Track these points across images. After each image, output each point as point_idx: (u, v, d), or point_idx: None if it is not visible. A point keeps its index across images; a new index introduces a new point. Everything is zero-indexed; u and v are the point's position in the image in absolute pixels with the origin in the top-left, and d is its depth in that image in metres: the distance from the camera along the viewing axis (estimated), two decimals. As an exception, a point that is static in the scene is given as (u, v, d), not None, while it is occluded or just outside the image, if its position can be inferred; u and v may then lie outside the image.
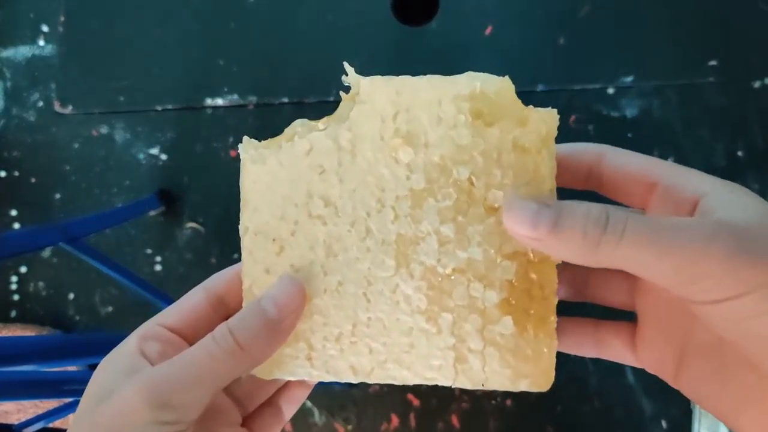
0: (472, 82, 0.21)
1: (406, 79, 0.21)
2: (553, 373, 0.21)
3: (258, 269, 0.23)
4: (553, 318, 0.21)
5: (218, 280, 0.24)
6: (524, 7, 0.76)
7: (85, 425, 0.19)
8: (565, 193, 0.22)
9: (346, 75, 0.22)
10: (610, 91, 0.73)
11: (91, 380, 0.21)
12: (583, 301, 0.24)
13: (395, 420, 0.72)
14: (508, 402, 0.69)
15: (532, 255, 0.21)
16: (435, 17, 0.78)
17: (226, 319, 0.21)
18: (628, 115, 0.72)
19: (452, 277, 0.21)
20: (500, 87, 0.21)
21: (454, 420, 0.71)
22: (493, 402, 0.70)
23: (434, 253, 0.21)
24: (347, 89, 0.23)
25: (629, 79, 0.72)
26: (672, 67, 0.72)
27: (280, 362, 0.23)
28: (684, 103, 0.71)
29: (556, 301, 0.21)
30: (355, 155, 0.21)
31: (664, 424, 0.66)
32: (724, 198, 0.18)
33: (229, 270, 0.24)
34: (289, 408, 0.26)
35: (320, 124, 0.22)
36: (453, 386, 0.22)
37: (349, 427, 0.74)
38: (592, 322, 0.23)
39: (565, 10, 0.75)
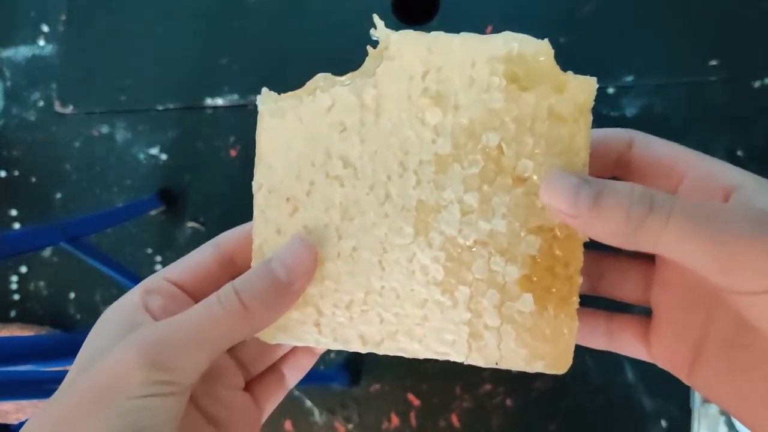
0: (510, 42, 0.19)
1: (438, 36, 0.20)
2: (571, 356, 0.20)
3: (269, 229, 0.21)
4: (576, 298, 0.20)
5: (228, 238, 0.23)
6: (524, 7, 0.76)
7: (76, 386, 0.18)
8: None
9: (375, 28, 0.21)
10: (611, 90, 0.73)
11: (88, 336, 0.20)
12: (596, 295, 0.23)
13: (395, 419, 0.72)
14: (509, 401, 0.69)
15: (558, 231, 0.20)
16: (435, 17, 0.78)
17: (234, 278, 0.20)
18: (629, 114, 0.72)
19: (473, 249, 0.20)
20: (539, 50, 0.20)
21: (455, 419, 0.71)
22: (494, 401, 0.70)
23: (456, 223, 0.20)
24: (375, 44, 0.22)
25: (630, 78, 0.72)
26: (672, 67, 0.72)
27: (287, 327, 0.21)
28: (684, 102, 0.71)
29: (580, 281, 0.20)
30: (379, 114, 0.20)
31: (663, 423, 0.66)
32: (759, 190, 0.18)
33: (240, 228, 0.23)
34: (293, 375, 0.25)
35: (345, 78, 0.21)
36: (465, 362, 0.21)
37: (350, 426, 0.74)
38: (604, 314, 0.23)
39: (565, 9, 0.75)
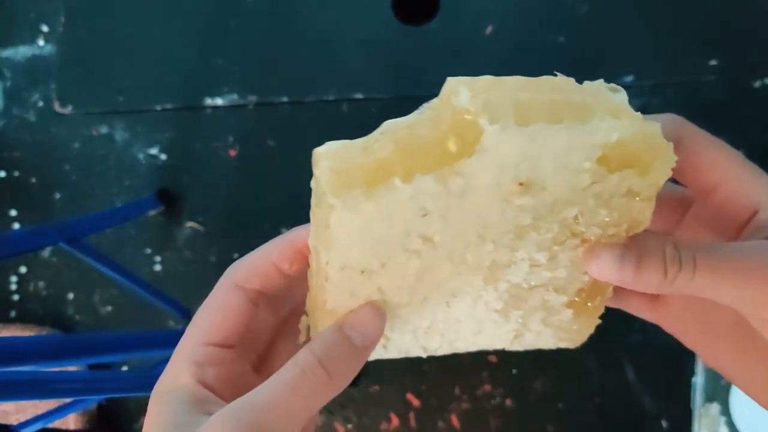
0: (611, 132, 0.18)
1: (540, 128, 0.18)
2: (587, 335, 0.24)
3: (342, 293, 0.21)
4: (603, 310, 0.23)
5: (251, 275, 0.22)
6: (524, 6, 0.76)
7: None
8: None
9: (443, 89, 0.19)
10: (610, 90, 0.73)
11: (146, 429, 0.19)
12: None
13: (395, 419, 0.72)
14: (508, 402, 0.69)
15: None
16: (435, 17, 0.78)
17: (263, 309, 0.21)
18: (628, 114, 0.72)
19: (532, 289, 0.22)
20: (645, 133, 0.19)
21: (454, 419, 0.71)
22: (493, 401, 0.70)
23: (523, 274, 0.21)
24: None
25: (629, 78, 0.72)
26: (672, 66, 0.72)
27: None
28: (684, 102, 0.71)
29: (611, 294, 0.23)
30: (464, 198, 0.19)
31: (664, 423, 0.66)
32: None
33: (258, 259, 0.22)
34: None
35: (423, 159, 0.19)
36: (506, 350, 0.24)
37: (349, 427, 0.74)
38: None
39: (565, 9, 0.75)
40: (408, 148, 0.19)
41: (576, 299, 0.22)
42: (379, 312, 0.20)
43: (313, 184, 0.21)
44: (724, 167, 0.21)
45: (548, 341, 0.24)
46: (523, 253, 0.20)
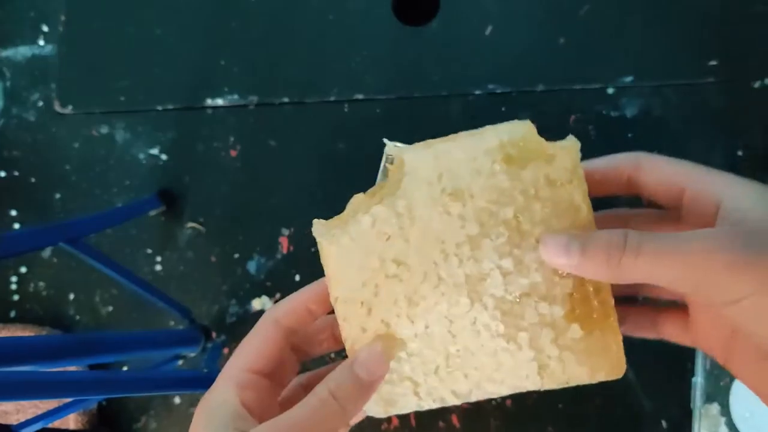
0: (499, 134, 0.24)
1: (438, 145, 0.25)
2: (624, 361, 0.25)
3: (355, 330, 0.25)
4: (614, 317, 0.24)
5: (286, 313, 0.26)
6: (524, 7, 0.76)
7: None
8: (611, 200, 0.25)
9: (388, 155, 0.25)
10: (610, 90, 0.73)
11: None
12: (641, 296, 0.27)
13: (395, 419, 0.72)
14: (508, 402, 0.69)
15: None
16: (435, 17, 0.78)
17: (296, 347, 0.26)
18: (628, 114, 0.72)
19: (519, 301, 0.24)
20: (524, 132, 0.24)
21: (455, 420, 0.71)
22: (494, 402, 0.70)
23: (501, 285, 0.24)
24: (391, 160, 0.27)
25: (629, 78, 0.72)
26: (672, 67, 0.72)
27: (393, 401, 0.26)
28: (684, 102, 0.71)
29: (612, 302, 0.24)
30: (413, 218, 0.24)
31: (664, 423, 0.66)
32: (737, 202, 0.21)
33: (291, 299, 0.27)
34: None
35: (376, 198, 0.25)
36: (541, 389, 0.25)
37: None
38: (651, 309, 0.27)
39: (565, 10, 0.75)
40: (368, 195, 0.25)
41: (574, 310, 0.24)
42: (382, 348, 0.24)
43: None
44: (685, 173, 0.23)
45: (580, 372, 0.25)
46: (488, 263, 0.24)
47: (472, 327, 0.24)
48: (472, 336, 0.24)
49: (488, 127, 0.24)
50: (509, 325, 0.24)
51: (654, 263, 0.20)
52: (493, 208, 0.23)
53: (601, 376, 0.25)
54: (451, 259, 0.24)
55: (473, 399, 0.25)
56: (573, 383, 0.25)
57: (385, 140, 0.27)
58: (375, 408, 0.26)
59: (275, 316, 0.26)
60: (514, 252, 0.23)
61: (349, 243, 0.25)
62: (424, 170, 0.24)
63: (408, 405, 0.26)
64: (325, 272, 0.26)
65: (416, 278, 0.24)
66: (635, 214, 0.27)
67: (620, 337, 0.24)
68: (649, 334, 0.26)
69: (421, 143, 0.25)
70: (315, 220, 0.27)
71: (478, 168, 0.24)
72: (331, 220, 0.26)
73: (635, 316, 0.27)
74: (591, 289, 0.24)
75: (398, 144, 0.26)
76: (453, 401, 0.26)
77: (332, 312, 0.26)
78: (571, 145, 0.24)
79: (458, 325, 0.24)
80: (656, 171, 0.23)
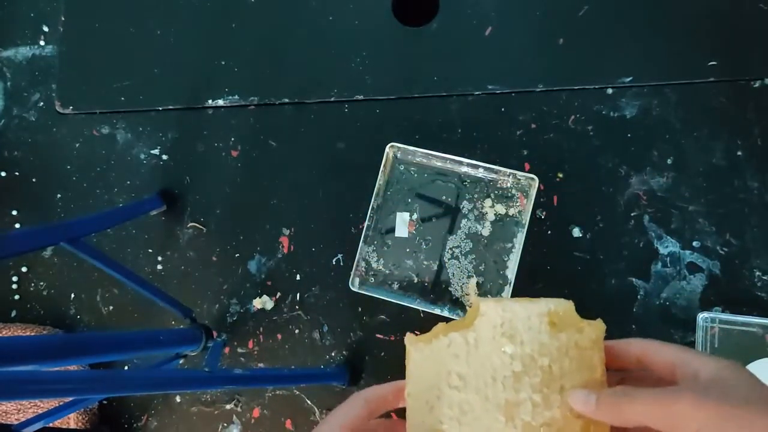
0: (549, 305, 0.33)
1: (506, 302, 0.33)
2: None
3: (416, 422, 0.34)
4: None
5: (376, 396, 0.35)
6: (524, 7, 0.76)
7: None
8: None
9: (469, 298, 0.35)
10: (610, 91, 0.73)
11: None
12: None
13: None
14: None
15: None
16: (435, 17, 0.78)
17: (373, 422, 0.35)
18: (628, 115, 0.72)
19: (541, 427, 0.31)
20: (567, 308, 0.33)
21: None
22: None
23: (530, 413, 0.32)
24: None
25: (628, 79, 0.72)
26: (671, 67, 0.72)
27: None
28: (683, 103, 0.71)
29: None
30: (477, 347, 0.33)
31: (663, 423, 0.66)
32: (696, 369, 0.29)
33: (382, 387, 0.35)
34: None
35: (457, 331, 0.33)
36: None
37: (350, 427, 0.74)
38: None
39: (564, 10, 0.75)
40: (449, 325, 0.34)
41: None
42: None
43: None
44: (676, 356, 0.30)
45: None
46: (524, 394, 0.32)
47: None
48: None
49: (543, 299, 0.33)
50: None
51: (606, 411, 0.29)
52: (536, 355, 0.32)
53: None
54: (498, 384, 0.32)
55: None
56: None
57: (473, 295, 0.38)
58: None
59: (365, 396, 0.34)
60: (544, 390, 0.32)
61: (428, 354, 0.34)
62: (493, 317, 0.33)
63: None
64: (407, 372, 0.34)
65: (470, 393, 0.32)
66: (628, 374, 0.35)
67: None
68: None
69: (494, 298, 0.35)
70: (408, 334, 0.35)
71: (530, 325, 0.33)
72: (419, 336, 0.35)
73: None
74: (593, 428, 0.32)
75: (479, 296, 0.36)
76: None
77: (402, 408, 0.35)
78: (597, 324, 0.33)
79: None
80: (658, 355, 0.31)
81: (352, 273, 0.72)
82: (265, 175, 0.79)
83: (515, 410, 0.32)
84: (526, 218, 0.70)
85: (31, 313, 0.84)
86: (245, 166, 0.80)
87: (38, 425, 0.60)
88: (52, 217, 0.85)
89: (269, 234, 0.78)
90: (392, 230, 0.74)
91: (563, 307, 0.33)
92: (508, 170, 0.44)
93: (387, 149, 0.50)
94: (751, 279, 0.67)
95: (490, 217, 0.72)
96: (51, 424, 0.66)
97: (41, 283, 0.85)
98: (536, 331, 0.33)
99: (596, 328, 0.32)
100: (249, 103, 0.81)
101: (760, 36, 0.70)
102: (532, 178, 0.46)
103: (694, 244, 0.69)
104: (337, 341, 0.75)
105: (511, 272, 0.70)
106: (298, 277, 0.77)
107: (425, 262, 0.73)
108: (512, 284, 0.69)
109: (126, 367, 0.81)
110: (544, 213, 0.71)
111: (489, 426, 0.32)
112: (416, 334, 0.35)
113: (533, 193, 0.44)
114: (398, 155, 0.49)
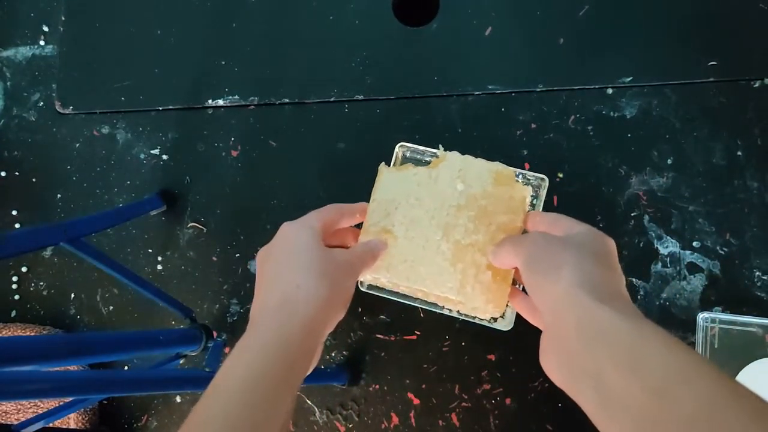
0: (497, 166, 0.44)
1: (468, 157, 0.44)
2: (504, 305, 0.42)
3: (374, 221, 0.44)
4: (509, 281, 0.42)
5: (348, 210, 0.43)
6: (524, 7, 0.76)
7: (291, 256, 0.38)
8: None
9: (439, 149, 0.46)
10: (610, 91, 0.73)
11: (285, 235, 0.40)
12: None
13: (395, 418, 0.72)
14: (508, 401, 0.69)
15: None
16: (435, 17, 0.78)
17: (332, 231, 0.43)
18: (628, 115, 0.72)
19: (467, 246, 0.42)
20: (509, 172, 0.44)
21: (454, 418, 0.71)
22: (494, 401, 0.70)
23: (462, 234, 0.42)
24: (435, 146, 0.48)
25: (628, 79, 0.72)
26: (671, 67, 0.72)
27: (375, 270, 0.43)
28: (683, 102, 0.71)
29: (512, 273, 0.42)
30: (436, 182, 0.44)
31: (663, 423, 0.66)
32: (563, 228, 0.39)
33: (354, 206, 0.43)
34: None
35: (424, 168, 0.44)
36: (454, 306, 0.43)
37: (350, 426, 0.74)
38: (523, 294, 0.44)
39: (564, 10, 0.75)
40: (417, 166, 0.45)
41: (491, 264, 0.41)
42: (380, 244, 0.43)
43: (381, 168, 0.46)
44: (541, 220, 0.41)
45: (480, 301, 0.42)
46: (461, 220, 0.42)
47: (436, 248, 0.42)
48: (433, 252, 0.42)
49: (497, 163, 0.44)
50: (455, 256, 0.42)
51: (505, 250, 0.39)
52: (477, 196, 0.43)
53: (489, 309, 0.41)
54: (444, 209, 0.43)
55: (415, 287, 0.42)
56: (473, 311, 0.43)
57: (440, 147, 0.47)
58: (367, 276, 0.44)
59: (338, 205, 0.42)
60: (476, 222, 0.42)
61: (396, 177, 0.44)
62: (454, 164, 0.44)
63: (380, 277, 0.43)
64: (376, 185, 0.45)
65: (421, 211, 0.43)
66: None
67: (507, 292, 0.41)
68: (520, 309, 0.42)
69: (459, 153, 0.44)
70: (382, 164, 0.45)
71: (480, 175, 0.44)
72: (392, 167, 0.46)
73: (519, 295, 0.43)
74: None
75: (442, 147, 0.47)
76: (404, 284, 0.43)
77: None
78: (524, 188, 0.43)
79: (429, 243, 0.42)
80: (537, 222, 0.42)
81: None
82: (265, 175, 0.79)
83: (451, 230, 0.42)
84: None
85: (31, 313, 0.84)
86: (245, 166, 0.80)
87: (38, 425, 0.60)
88: (52, 217, 0.85)
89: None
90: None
91: (507, 171, 0.44)
92: (518, 170, 0.44)
93: (396, 149, 0.51)
94: (751, 279, 0.67)
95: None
96: (51, 424, 0.66)
97: (41, 283, 0.85)
98: (483, 181, 0.43)
99: (523, 189, 0.43)
100: (249, 103, 0.81)
101: (760, 36, 0.70)
102: (542, 178, 0.46)
103: (694, 244, 0.69)
104: (337, 341, 0.75)
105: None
106: (298, 277, 0.77)
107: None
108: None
109: (126, 367, 0.81)
110: (544, 213, 0.71)
111: (428, 236, 0.42)
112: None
113: (543, 193, 0.45)
114: (407, 155, 0.50)
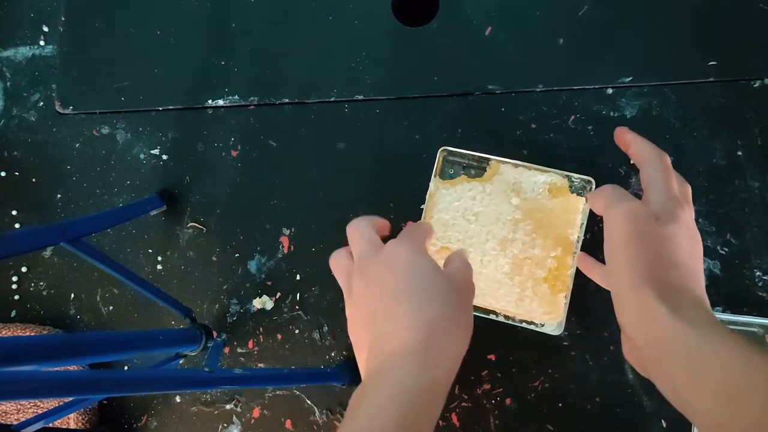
0: (551, 177, 0.45)
1: (521, 167, 0.45)
2: (561, 315, 0.43)
3: (433, 242, 0.46)
4: (567, 293, 0.43)
5: (386, 224, 0.43)
6: (524, 7, 0.76)
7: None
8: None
9: (489, 159, 0.48)
10: (610, 91, 0.73)
11: (404, 260, 0.38)
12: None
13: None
14: (508, 401, 0.69)
15: (566, 261, 0.46)
16: (435, 17, 0.78)
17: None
18: (628, 115, 0.72)
19: (524, 261, 0.42)
20: (564, 182, 0.44)
21: (454, 419, 0.71)
22: (494, 401, 0.70)
23: (519, 248, 0.43)
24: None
25: (628, 79, 0.72)
26: (671, 67, 0.72)
27: None
28: (683, 102, 0.71)
29: (569, 284, 0.43)
30: (491, 197, 0.44)
31: (663, 423, 0.66)
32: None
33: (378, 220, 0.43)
34: None
35: (475, 181, 0.45)
36: (513, 316, 0.46)
37: (350, 427, 0.74)
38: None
39: (563, 10, 0.75)
40: (471, 177, 0.45)
41: (548, 278, 0.42)
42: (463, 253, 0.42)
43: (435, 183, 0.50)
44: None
45: (538, 312, 0.43)
46: (518, 235, 0.42)
47: (494, 262, 0.43)
48: (491, 266, 0.43)
49: (551, 172, 0.45)
50: (513, 270, 0.43)
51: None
52: (534, 210, 0.43)
53: (546, 319, 0.43)
54: (501, 224, 0.43)
55: (476, 303, 0.41)
56: (531, 318, 0.45)
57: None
58: None
59: (423, 226, 0.42)
60: (533, 235, 0.42)
61: (452, 192, 0.45)
62: (508, 176, 0.45)
63: None
64: (426, 203, 0.47)
65: (478, 226, 0.44)
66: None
67: (565, 303, 0.43)
68: (591, 274, 0.44)
69: (511, 164, 0.47)
70: (436, 179, 0.47)
71: (534, 187, 0.44)
72: (446, 180, 0.48)
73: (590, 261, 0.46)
74: (563, 272, 0.43)
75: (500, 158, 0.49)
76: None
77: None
78: (579, 199, 0.43)
79: (487, 258, 0.43)
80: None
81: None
82: (265, 175, 0.79)
83: (509, 245, 0.44)
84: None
85: (31, 313, 0.84)
86: (245, 166, 0.80)
87: (38, 425, 0.60)
88: (52, 217, 0.85)
89: (269, 234, 0.78)
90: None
91: (561, 181, 0.46)
92: (563, 172, 0.45)
93: (438, 153, 0.54)
94: (752, 279, 0.67)
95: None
96: (51, 424, 0.66)
97: (41, 283, 0.85)
98: (537, 193, 0.44)
99: (578, 201, 0.44)
100: (249, 103, 0.81)
101: (760, 36, 0.70)
102: (589, 180, 0.46)
103: (694, 244, 0.69)
104: (337, 341, 0.75)
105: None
106: (298, 277, 0.77)
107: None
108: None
109: (126, 367, 0.81)
110: (544, 213, 0.71)
111: (486, 251, 0.44)
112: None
113: None
114: (449, 158, 0.52)
